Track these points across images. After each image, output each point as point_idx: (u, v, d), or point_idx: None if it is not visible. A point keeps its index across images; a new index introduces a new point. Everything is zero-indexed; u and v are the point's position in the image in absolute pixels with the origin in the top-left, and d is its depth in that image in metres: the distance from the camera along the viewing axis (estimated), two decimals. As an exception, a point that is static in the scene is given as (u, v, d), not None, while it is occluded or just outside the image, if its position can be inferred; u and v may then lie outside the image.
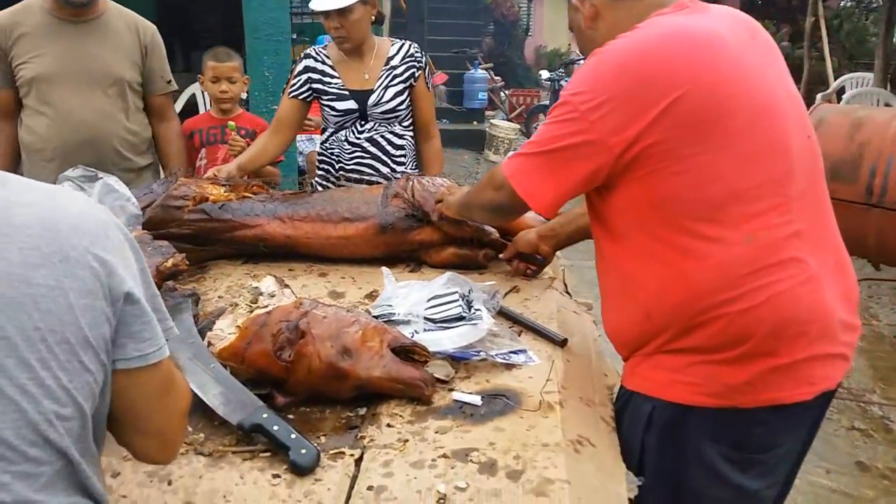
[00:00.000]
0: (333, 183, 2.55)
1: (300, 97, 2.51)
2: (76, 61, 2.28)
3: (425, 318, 1.47)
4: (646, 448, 1.32)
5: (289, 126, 2.55)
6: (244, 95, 3.88)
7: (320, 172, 2.62)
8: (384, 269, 1.71)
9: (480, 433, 1.25)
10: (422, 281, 1.63)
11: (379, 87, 2.47)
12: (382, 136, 2.52)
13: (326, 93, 2.49)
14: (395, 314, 1.50)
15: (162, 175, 2.61)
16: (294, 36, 7.49)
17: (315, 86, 2.50)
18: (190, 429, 1.26)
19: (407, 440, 1.23)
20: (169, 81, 2.53)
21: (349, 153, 2.52)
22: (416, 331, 1.45)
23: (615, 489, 1.22)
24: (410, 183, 1.92)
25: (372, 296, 1.75)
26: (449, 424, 1.27)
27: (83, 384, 0.80)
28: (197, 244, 1.90)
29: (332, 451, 1.21)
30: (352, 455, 1.20)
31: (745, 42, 1.27)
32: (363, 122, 2.50)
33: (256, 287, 1.49)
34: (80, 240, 0.81)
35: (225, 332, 1.37)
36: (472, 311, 1.49)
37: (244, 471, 1.16)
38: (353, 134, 2.52)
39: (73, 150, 2.28)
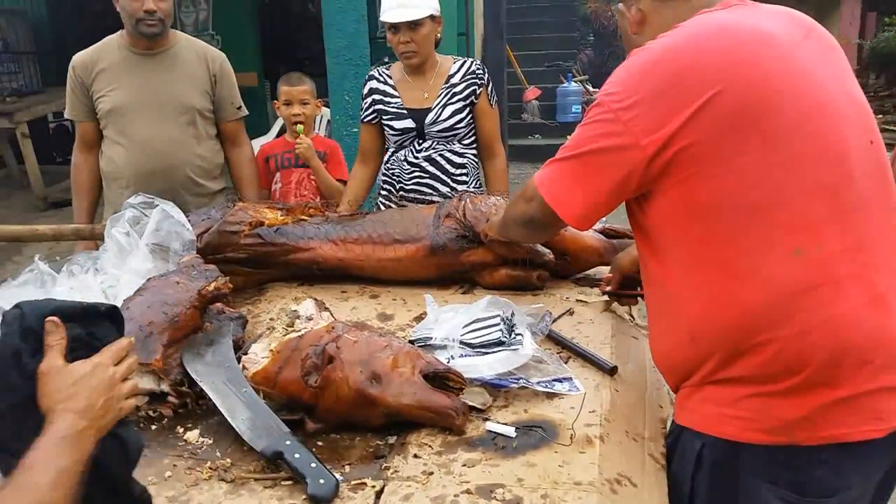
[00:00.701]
0: (395, 203, 2.55)
1: (367, 120, 2.57)
2: (149, 92, 2.39)
3: (462, 343, 1.41)
4: (696, 489, 1.21)
5: (373, 152, 2.61)
6: (327, 117, 3.98)
7: (383, 193, 2.63)
8: (426, 295, 1.67)
9: (509, 468, 1.17)
10: (465, 304, 1.57)
11: (437, 105, 2.46)
12: (441, 155, 2.49)
13: (387, 112, 2.51)
14: (432, 339, 1.45)
15: None
16: (386, 59, 7.68)
17: (378, 106, 2.53)
18: (218, 454, 1.26)
19: (432, 473, 1.18)
20: (239, 107, 2.61)
21: (408, 173, 2.52)
22: (452, 356, 1.40)
23: (656, 535, 1.11)
24: (462, 203, 1.87)
25: (421, 319, 1.71)
26: (478, 457, 1.21)
27: None
28: (254, 267, 1.93)
29: (354, 482, 1.17)
30: (373, 487, 1.16)
31: (796, 40, 1.15)
32: (421, 141, 2.49)
33: (295, 310, 1.48)
34: None
35: (259, 355, 1.37)
36: (513, 335, 1.42)
37: (263, 499, 1.14)
38: (412, 153, 2.51)
39: (147, 178, 2.39)
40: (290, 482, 1.17)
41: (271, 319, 1.76)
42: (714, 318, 1.13)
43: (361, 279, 1.93)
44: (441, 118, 2.45)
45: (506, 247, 1.78)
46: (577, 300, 1.78)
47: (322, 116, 4.78)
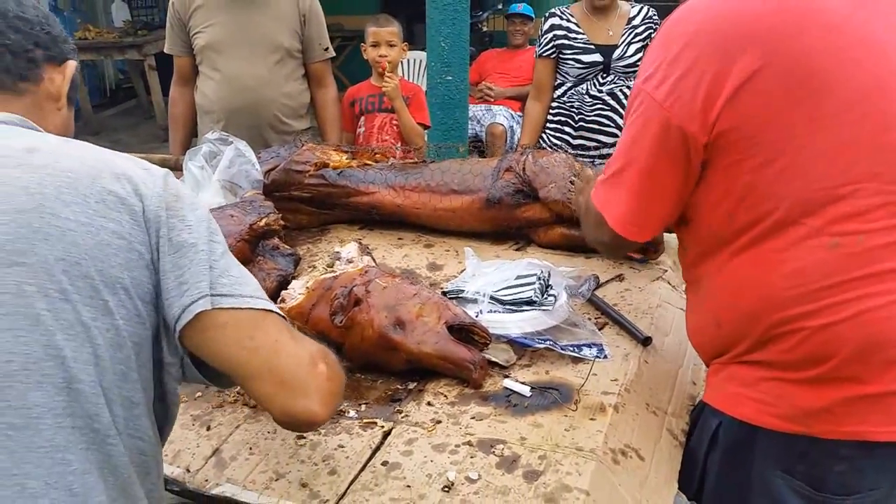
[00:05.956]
0: (570, 135, 2.77)
1: (546, 55, 2.78)
2: (241, 30, 2.47)
3: (492, 299, 1.41)
4: (708, 469, 1.17)
5: (547, 86, 2.82)
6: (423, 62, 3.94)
7: (552, 126, 2.82)
8: (467, 249, 1.66)
9: (515, 426, 1.18)
10: (507, 261, 1.56)
11: (623, 42, 2.69)
12: (621, 91, 2.70)
13: (571, 47, 2.71)
14: (465, 292, 1.46)
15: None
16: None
17: (559, 42, 2.74)
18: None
19: (440, 421, 1.20)
20: (326, 49, 2.65)
21: (590, 105, 2.71)
22: (480, 311, 1.40)
23: (655, 510, 1.09)
24: (524, 157, 1.84)
25: (467, 271, 1.71)
26: (489, 411, 1.22)
27: (107, 326, 0.81)
28: (318, 207, 1.99)
29: (366, 420, 1.21)
30: (382, 427, 1.19)
31: (867, 3, 1.02)
32: (605, 76, 2.71)
33: (337, 252, 1.52)
34: (122, 185, 0.84)
35: (296, 291, 1.43)
36: (546, 296, 1.40)
37: (278, 426, 1.20)
38: (594, 87, 2.72)
39: (236, 113, 2.49)
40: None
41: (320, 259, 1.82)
42: (739, 304, 1.07)
43: (419, 227, 1.95)
44: (627, 54, 2.67)
45: (562, 204, 1.74)
46: (631, 266, 1.73)
47: (420, 61, 4.78)
